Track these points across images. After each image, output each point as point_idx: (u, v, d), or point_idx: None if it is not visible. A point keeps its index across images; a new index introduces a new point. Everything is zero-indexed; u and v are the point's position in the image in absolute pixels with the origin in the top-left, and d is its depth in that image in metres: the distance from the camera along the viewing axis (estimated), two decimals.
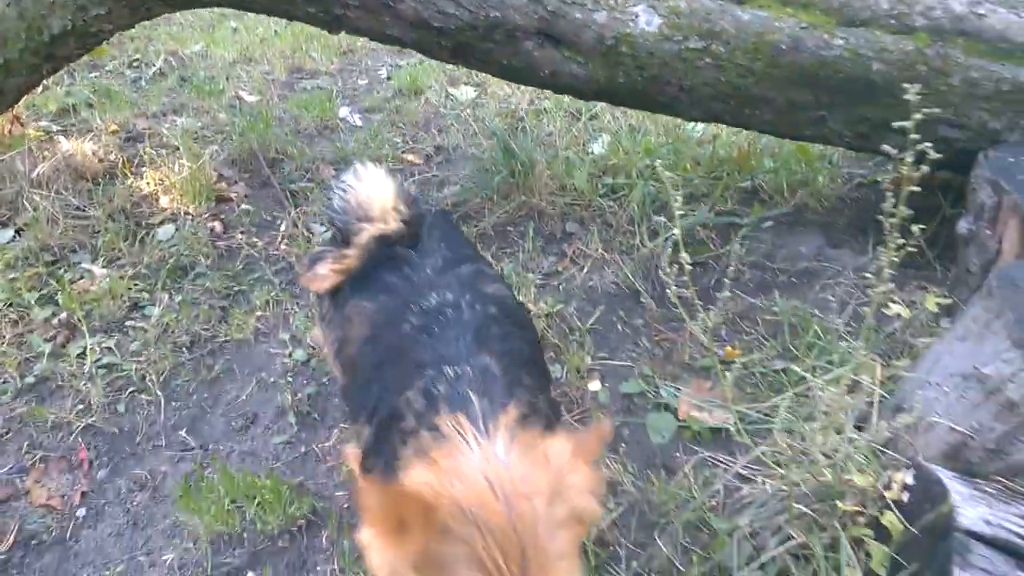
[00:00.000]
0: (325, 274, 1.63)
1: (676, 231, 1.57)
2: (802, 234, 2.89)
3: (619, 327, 2.49)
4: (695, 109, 2.48)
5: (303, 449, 2.04)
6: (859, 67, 2.22)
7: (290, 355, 2.34)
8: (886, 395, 1.96)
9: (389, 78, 4.34)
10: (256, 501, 1.81)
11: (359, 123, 3.82)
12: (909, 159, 1.41)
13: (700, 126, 3.43)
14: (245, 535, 1.79)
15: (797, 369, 1.99)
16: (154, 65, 4.27)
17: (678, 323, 2.44)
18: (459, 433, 1.09)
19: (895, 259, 1.49)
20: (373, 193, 1.64)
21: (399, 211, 1.63)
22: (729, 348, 2.42)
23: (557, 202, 3.00)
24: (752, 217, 2.91)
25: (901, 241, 1.46)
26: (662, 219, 2.43)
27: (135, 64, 4.32)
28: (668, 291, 2.25)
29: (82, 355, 2.28)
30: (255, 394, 2.21)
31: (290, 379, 2.26)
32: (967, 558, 1.35)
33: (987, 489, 1.53)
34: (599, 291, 2.63)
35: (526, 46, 2.39)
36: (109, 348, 2.31)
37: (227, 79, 4.20)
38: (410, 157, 3.48)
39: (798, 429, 1.83)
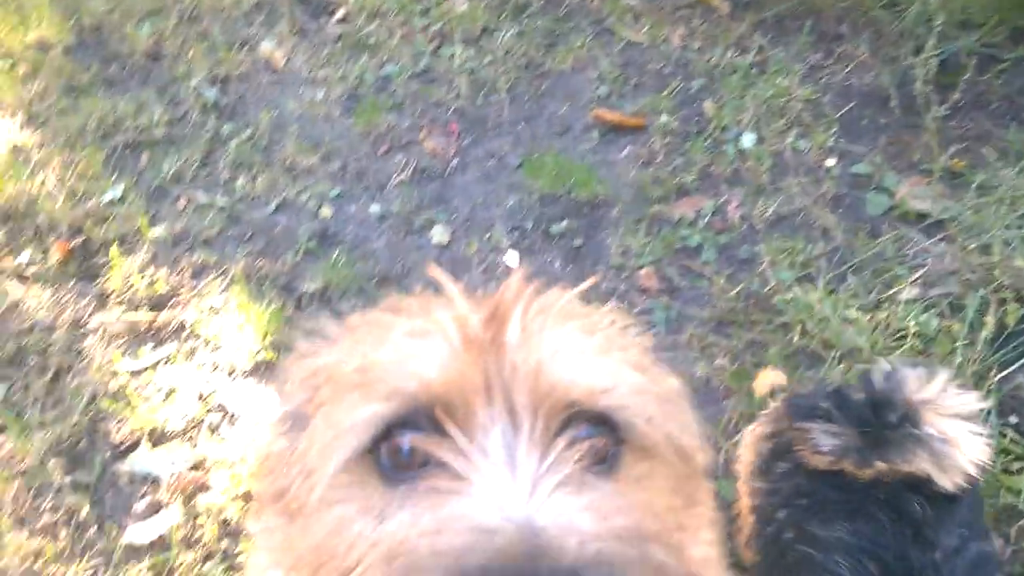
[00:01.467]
0: (824, 455, 1.37)
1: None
2: None
3: (863, 123, 2.96)
4: None
5: (599, 156, 2.81)
6: None
7: (596, 89, 3.05)
8: None
9: None
10: (572, 179, 2.62)
11: None
12: None
13: None
14: (562, 198, 2.64)
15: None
16: None
17: (916, 129, 2.87)
18: None
19: None
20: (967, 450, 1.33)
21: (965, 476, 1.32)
22: (957, 160, 2.85)
23: (837, 4, 3.35)
24: (1015, 53, 3.15)
25: None
26: (931, 40, 2.78)
27: None
28: (917, 101, 2.71)
29: (451, 58, 3.11)
30: (568, 112, 2.97)
31: (593, 106, 2.98)
32: None
33: None
34: (855, 90, 3.07)
35: None
36: (469, 57, 3.13)
37: None
38: None
39: (984, 222, 2.36)
